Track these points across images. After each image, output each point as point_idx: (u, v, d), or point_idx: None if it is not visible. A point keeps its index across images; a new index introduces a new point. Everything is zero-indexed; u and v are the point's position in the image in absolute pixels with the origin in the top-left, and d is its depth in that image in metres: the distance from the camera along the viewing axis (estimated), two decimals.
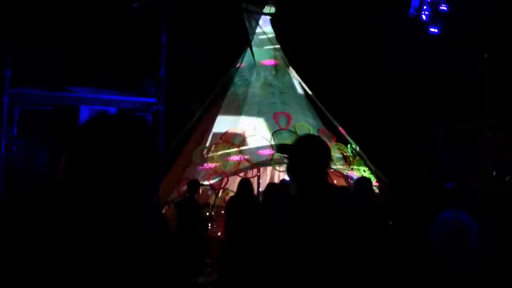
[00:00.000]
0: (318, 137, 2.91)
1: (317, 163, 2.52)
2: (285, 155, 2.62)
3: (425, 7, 6.19)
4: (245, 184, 7.04)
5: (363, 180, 6.01)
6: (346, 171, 10.35)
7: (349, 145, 10.92)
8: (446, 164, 10.65)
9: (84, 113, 8.73)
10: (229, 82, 11.63)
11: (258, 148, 10.08)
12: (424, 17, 6.19)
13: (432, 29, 6.29)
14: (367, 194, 5.50)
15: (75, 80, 8.99)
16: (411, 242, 5.16)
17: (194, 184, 7.61)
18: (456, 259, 4.83)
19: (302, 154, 2.51)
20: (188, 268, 6.75)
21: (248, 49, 11.75)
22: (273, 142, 10.07)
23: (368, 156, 10.98)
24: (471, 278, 4.83)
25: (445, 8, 6.04)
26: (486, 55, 8.46)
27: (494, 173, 10.00)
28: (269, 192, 6.11)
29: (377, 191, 8.87)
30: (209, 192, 9.15)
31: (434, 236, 5.00)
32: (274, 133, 10.28)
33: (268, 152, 9.98)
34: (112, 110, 8.83)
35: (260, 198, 9.94)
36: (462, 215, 5.02)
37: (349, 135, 11.13)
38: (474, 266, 4.88)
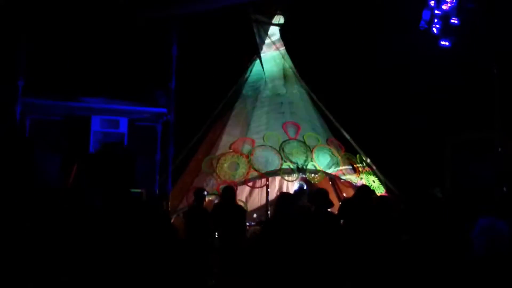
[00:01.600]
0: None
1: None
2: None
3: (436, 20, 6.21)
4: (228, 191, 7.33)
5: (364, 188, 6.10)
6: (355, 181, 10.34)
7: (358, 155, 10.91)
8: (458, 175, 10.63)
9: (96, 123, 8.79)
10: (238, 92, 11.69)
11: (267, 157, 10.10)
12: (435, 30, 6.21)
13: (443, 42, 6.31)
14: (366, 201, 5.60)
15: (87, 91, 9.07)
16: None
17: (200, 193, 7.68)
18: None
19: None
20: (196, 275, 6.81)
21: (257, 59, 11.83)
22: (282, 152, 10.09)
23: (377, 166, 10.96)
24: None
25: (456, 22, 6.06)
26: (495, 70, 8.47)
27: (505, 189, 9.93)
28: (282, 201, 6.16)
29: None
30: (216, 201, 9.18)
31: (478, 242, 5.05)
32: (283, 143, 10.31)
33: (277, 162, 10.00)
34: (123, 120, 8.89)
35: (270, 207, 9.99)
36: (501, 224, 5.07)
37: (358, 145, 11.13)
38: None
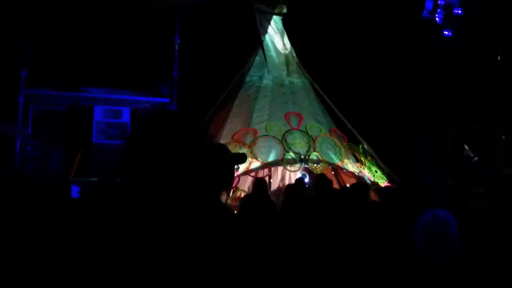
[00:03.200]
0: None
1: None
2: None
3: (439, 10, 6.18)
4: (260, 184, 7.03)
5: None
6: (358, 172, 10.36)
7: (360, 146, 10.91)
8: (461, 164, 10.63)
9: (98, 113, 8.82)
10: (240, 82, 11.68)
11: (270, 147, 10.11)
12: (438, 19, 6.17)
13: (446, 32, 6.28)
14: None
15: (89, 81, 9.10)
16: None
17: None
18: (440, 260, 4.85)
19: None
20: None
21: (260, 49, 11.81)
22: (284, 142, 10.10)
23: (379, 157, 10.96)
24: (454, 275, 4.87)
25: (459, 12, 6.02)
26: (499, 57, 8.45)
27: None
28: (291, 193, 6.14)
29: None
30: None
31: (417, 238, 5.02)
32: (285, 133, 10.31)
33: (279, 152, 10.01)
34: (126, 110, 8.91)
35: (274, 198, 10.01)
36: (443, 214, 5.02)
37: (361, 136, 11.12)
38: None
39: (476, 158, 8.22)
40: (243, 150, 9.92)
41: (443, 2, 6.15)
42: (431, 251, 4.91)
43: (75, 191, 8.18)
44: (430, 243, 4.96)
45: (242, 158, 2.60)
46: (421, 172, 10.55)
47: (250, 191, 7.97)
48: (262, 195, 6.84)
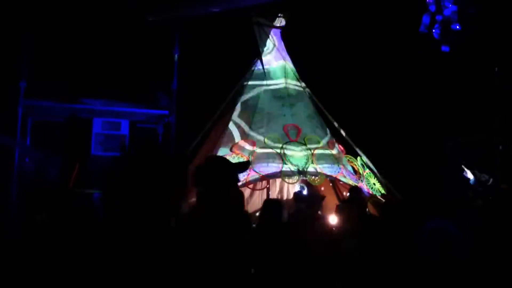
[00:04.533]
0: None
1: None
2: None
3: (436, 25, 6.24)
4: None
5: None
6: (356, 184, 10.36)
7: (358, 158, 10.92)
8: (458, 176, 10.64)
9: (97, 125, 8.83)
10: (239, 94, 11.71)
11: (268, 159, 10.11)
12: (435, 35, 6.24)
13: (443, 48, 6.34)
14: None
15: (88, 92, 9.12)
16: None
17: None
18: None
19: None
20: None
21: (258, 61, 11.86)
22: (282, 154, 10.11)
23: (378, 169, 10.98)
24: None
25: (457, 27, 6.09)
26: (496, 69, 8.53)
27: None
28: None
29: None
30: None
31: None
32: (284, 145, 10.32)
33: (278, 164, 10.01)
34: (125, 122, 8.93)
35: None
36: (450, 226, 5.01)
37: (359, 148, 11.15)
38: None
39: (491, 179, 8.24)
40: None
41: (440, 17, 6.22)
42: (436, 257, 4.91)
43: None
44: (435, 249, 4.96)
45: (245, 166, 2.93)
46: (419, 184, 10.57)
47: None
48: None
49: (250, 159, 9.93)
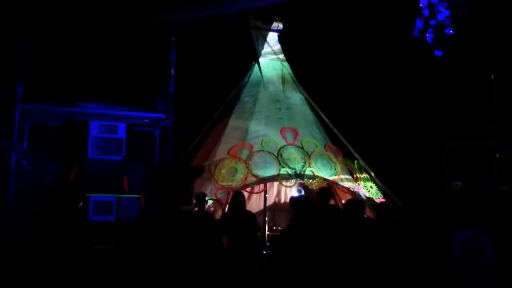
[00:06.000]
0: None
1: None
2: None
3: (429, 30, 6.26)
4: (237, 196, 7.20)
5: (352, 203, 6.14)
6: (353, 187, 10.37)
7: (355, 161, 10.94)
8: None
9: (94, 129, 8.84)
10: (236, 97, 11.74)
11: (265, 163, 10.13)
12: (428, 40, 6.25)
13: (437, 52, 6.35)
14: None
15: (85, 96, 9.13)
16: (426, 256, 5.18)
17: (202, 197, 7.71)
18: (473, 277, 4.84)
19: None
20: None
21: (256, 65, 11.89)
22: (280, 158, 10.13)
23: (375, 173, 10.99)
24: None
25: (450, 32, 6.11)
26: (492, 76, 8.56)
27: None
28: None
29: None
30: (211, 208, 9.20)
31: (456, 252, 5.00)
32: (281, 149, 10.34)
33: (275, 167, 10.03)
34: (121, 125, 8.94)
35: (268, 213, 10.01)
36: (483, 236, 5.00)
37: (356, 151, 11.16)
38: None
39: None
40: (239, 165, 9.94)
41: (434, 22, 6.24)
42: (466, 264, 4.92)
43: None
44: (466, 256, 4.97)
45: (200, 172, 3.56)
46: (417, 188, 10.59)
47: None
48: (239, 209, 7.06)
49: (247, 163, 9.92)
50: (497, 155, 9.66)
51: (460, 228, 5.08)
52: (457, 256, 4.98)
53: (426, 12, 6.36)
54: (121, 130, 9.02)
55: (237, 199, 7.25)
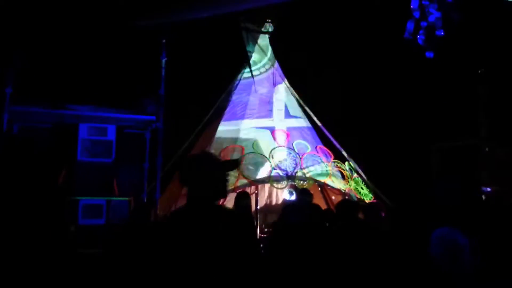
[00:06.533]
0: None
1: None
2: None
3: (420, 32, 6.29)
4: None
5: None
6: (344, 189, 10.39)
7: (347, 163, 10.97)
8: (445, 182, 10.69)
9: (83, 131, 8.73)
10: (227, 99, 11.72)
11: (256, 165, 10.12)
12: (419, 41, 6.28)
13: (428, 54, 6.39)
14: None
15: (75, 98, 9.02)
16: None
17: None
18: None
19: None
20: None
21: (247, 67, 11.88)
22: (271, 159, 10.13)
23: (366, 174, 11.03)
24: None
25: (441, 33, 6.14)
26: (480, 71, 8.60)
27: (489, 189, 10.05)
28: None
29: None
30: None
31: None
32: (272, 150, 10.34)
33: (266, 169, 10.02)
34: (111, 128, 8.84)
35: (261, 215, 9.99)
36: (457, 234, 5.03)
37: (347, 152, 11.19)
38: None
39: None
40: None
41: (425, 24, 6.27)
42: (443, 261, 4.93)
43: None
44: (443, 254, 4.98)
45: (235, 164, 3.14)
46: (407, 188, 10.61)
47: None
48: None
49: (238, 160, 9.89)
50: (486, 156, 9.72)
51: (435, 226, 5.13)
52: (435, 254, 5.02)
53: (417, 14, 6.39)
54: (111, 133, 8.91)
55: (246, 199, 7.12)
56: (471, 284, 4.95)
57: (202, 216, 2.60)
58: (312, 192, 10.50)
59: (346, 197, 9.95)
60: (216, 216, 2.64)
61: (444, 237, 5.03)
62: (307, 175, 10.15)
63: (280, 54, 12.19)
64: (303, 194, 7.34)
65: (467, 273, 4.96)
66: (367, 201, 10.19)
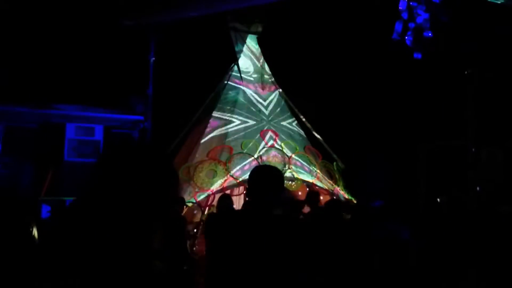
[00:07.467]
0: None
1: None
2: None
3: (408, 33, 6.33)
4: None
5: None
6: (332, 189, 10.43)
7: (334, 163, 11.00)
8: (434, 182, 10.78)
9: (71, 131, 8.67)
10: (215, 99, 11.68)
11: (245, 165, 10.11)
12: (407, 42, 6.33)
13: (416, 55, 6.44)
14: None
15: (61, 98, 8.95)
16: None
17: (180, 201, 7.63)
18: None
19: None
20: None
21: (235, 67, 11.87)
22: (259, 160, 10.12)
23: (352, 173, 11.06)
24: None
25: (429, 34, 6.19)
26: (467, 72, 8.67)
27: (478, 188, 10.12)
28: None
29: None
30: (195, 211, 9.13)
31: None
32: (261, 151, 10.34)
33: None
34: (99, 127, 8.79)
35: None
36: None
37: (335, 153, 11.22)
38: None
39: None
40: (219, 168, 9.89)
41: (413, 25, 6.31)
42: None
43: (45, 211, 8.00)
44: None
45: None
46: (395, 188, 10.68)
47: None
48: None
49: (227, 165, 9.90)
50: (473, 156, 9.81)
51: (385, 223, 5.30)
52: (382, 248, 5.22)
53: (405, 15, 6.43)
54: (98, 133, 8.87)
55: (226, 200, 7.16)
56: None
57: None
58: (300, 192, 10.62)
59: (334, 197, 9.95)
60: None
61: (389, 228, 5.25)
62: (296, 176, 10.16)
63: (269, 54, 12.18)
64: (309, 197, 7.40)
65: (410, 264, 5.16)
66: (354, 201, 10.23)
